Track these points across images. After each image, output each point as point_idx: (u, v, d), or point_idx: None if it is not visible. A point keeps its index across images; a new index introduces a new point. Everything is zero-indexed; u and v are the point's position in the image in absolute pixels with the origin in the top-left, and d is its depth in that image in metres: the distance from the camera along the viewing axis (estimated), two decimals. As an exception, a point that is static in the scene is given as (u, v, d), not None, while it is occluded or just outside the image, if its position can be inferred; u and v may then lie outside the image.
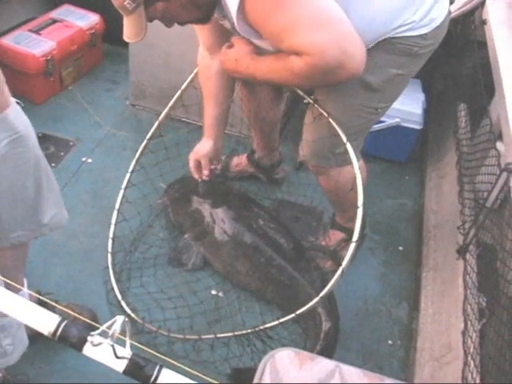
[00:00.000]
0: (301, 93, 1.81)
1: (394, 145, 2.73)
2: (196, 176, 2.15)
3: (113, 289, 2.01)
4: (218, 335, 1.83)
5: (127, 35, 1.58)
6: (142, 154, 2.15)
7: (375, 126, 2.45)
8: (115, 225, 2.12)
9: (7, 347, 1.42)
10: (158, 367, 0.77)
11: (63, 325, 0.76)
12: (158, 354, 0.85)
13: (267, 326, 1.72)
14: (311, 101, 1.78)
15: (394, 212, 2.59)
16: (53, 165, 2.48)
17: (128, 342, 0.76)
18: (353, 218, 1.62)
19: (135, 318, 1.91)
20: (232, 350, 1.86)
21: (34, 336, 1.48)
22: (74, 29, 3.02)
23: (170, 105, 2.10)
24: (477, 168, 2.21)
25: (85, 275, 2.10)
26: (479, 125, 2.32)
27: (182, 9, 1.55)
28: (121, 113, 2.95)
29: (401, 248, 2.40)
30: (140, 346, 0.82)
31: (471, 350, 1.60)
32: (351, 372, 1.04)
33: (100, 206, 2.38)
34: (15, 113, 1.23)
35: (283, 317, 1.68)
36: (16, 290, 0.89)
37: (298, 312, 1.63)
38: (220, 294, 2.10)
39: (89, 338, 0.77)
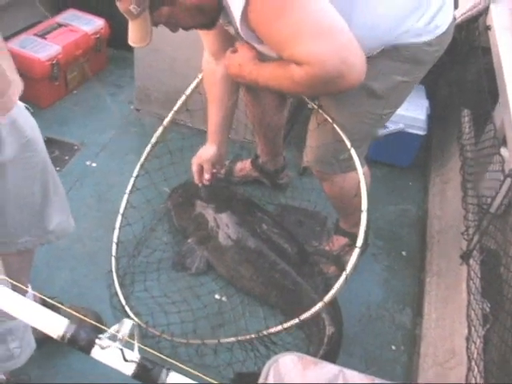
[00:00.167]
0: (305, 98, 1.82)
1: (397, 150, 2.74)
2: (197, 180, 2.16)
3: (116, 293, 2.01)
4: (222, 340, 1.82)
5: (132, 40, 1.59)
6: (146, 158, 2.16)
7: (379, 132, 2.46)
8: (119, 229, 2.13)
9: (14, 350, 1.42)
10: (165, 370, 0.77)
11: (72, 328, 0.76)
12: (165, 357, 0.85)
13: (271, 331, 1.72)
14: (315, 106, 1.79)
15: (398, 217, 2.59)
16: (57, 169, 2.48)
17: (136, 345, 0.76)
18: (356, 224, 1.63)
19: (139, 322, 1.91)
20: (235, 354, 1.86)
21: (42, 339, 1.48)
22: (79, 33, 3.03)
23: (174, 109, 2.10)
24: (481, 174, 2.21)
25: (89, 279, 2.11)
26: (483, 130, 2.33)
27: (187, 14, 1.55)
28: (125, 117, 2.95)
29: (404, 253, 2.41)
30: (148, 349, 0.83)
31: (475, 355, 1.60)
32: (355, 377, 1.04)
33: (104, 210, 2.38)
34: (24, 117, 1.24)
35: (287, 322, 1.69)
36: (22, 293, 0.90)
37: (302, 317, 1.63)
38: (223, 298, 2.11)
39: (97, 341, 0.77)
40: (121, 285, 2.04)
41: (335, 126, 1.72)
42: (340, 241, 2.22)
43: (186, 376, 0.79)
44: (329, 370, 1.06)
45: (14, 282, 0.97)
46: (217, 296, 2.11)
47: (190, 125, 2.80)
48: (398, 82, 1.68)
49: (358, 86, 1.40)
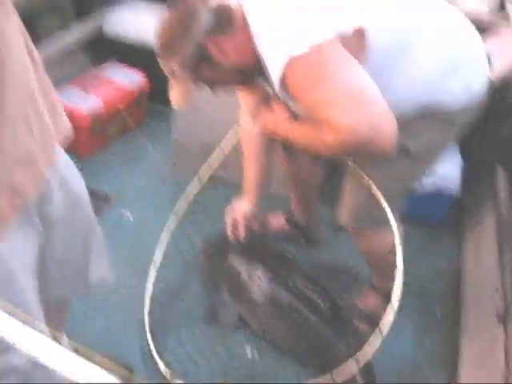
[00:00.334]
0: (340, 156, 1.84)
1: (429, 207, 2.73)
2: (231, 234, 2.18)
3: (148, 344, 2.02)
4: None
5: (174, 100, 1.66)
6: (180, 210, 2.19)
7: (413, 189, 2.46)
8: (153, 284, 2.15)
9: None
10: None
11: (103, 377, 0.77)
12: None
13: (303, 389, 1.70)
14: (351, 164, 1.81)
15: (430, 274, 2.55)
16: (94, 218, 2.54)
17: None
18: (390, 280, 1.62)
19: (169, 374, 1.91)
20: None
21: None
22: (120, 87, 3.14)
23: (211, 164, 2.14)
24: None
25: (122, 327, 2.13)
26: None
27: (227, 74, 1.62)
28: (162, 169, 3.01)
29: (437, 312, 2.36)
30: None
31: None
32: None
33: (138, 259, 2.40)
34: (71, 171, 1.28)
35: (318, 379, 1.66)
36: (58, 342, 0.91)
37: (336, 376, 1.61)
38: (255, 352, 2.09)
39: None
40: (153, 336, 2.05)
41: (370, 184, 1.73)
42: (373, 297, 2.20)
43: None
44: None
45: (52, 332, 0.99)
46: (248, 350, 2.10)
47: (225, 177, 2.84)
48: (433, 142, 1.70)
49: (390, 150, 1.42)
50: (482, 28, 1.83)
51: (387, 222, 1.71)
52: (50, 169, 1.15)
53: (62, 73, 3.23)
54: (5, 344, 0.70)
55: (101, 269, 1.46)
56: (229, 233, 2.18)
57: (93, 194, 2.70)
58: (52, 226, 1.22)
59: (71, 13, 3.31)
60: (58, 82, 3.13)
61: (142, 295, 2.14)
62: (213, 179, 2.35)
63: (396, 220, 1.75)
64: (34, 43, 1.13)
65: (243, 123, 2.04)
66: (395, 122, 1.37)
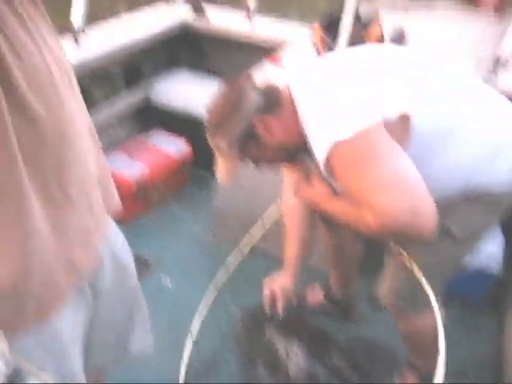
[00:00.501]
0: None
1: (470, 286, 2.68)
2: (269, 307, 2.16)
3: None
4: None
5: (219, 176, 1.70)
6: (220, 281, 2.20)
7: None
8: (188, 355, 2.13)
9: None
10: None
11: None
12: None
13: None
14: (392, 244, 1.80)
15: (469, 357, 2.46)
16: (133, 284, 2.56)
17: None
18: (429, 359, 1.57)
19: None
20: None
21: None
22: (165, 155, 3.23)
23: (251, 235, 2.16)
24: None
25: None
26: None
27: (274, 154, 1.67)
28: (201, 237, 3.04)
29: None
30: None
31: None
32: None
33: (174, 328, 2.39)
34: (120, 241, 1.30)
35: None
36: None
37: None
38: (291, 430, 2.04)
39: None
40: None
41: (413, 264, 1.71)
42: (412, 377, 2.14)
43: None
44: None
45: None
46: (283, 427, 2.05)
47: (266, 250, 2.85)
48: (477, 224, 1.69)
49: (429, 236, 1.40)
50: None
51: (429, 303, 1.68)
52: (102, 243, 1.18)
53: (109, 139, 3.36)
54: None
55: (143, 338, 1.47)
56: (266, 306, 2.16)
57: (134, 258, 2.78)
58: (101, 296, 1.24)
59: (121, 82, 3.47)
60: (106, 148, 3.24)
61: (178, 365, 2.12)
62: (253, 250, 2.37)
63: (438, 302, 1.72)
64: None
65: (286, 198, 2.07)
66: (434, 206, 1.37)
